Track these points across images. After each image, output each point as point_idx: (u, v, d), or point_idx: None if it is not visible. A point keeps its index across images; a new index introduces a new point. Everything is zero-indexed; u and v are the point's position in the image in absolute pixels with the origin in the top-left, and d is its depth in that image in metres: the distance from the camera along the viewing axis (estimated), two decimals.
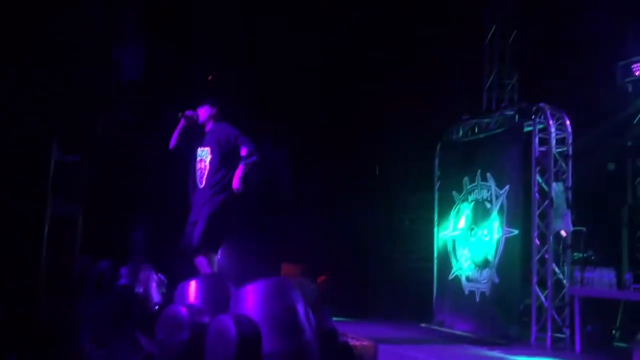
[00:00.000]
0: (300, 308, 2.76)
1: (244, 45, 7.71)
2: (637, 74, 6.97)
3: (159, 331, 3.05)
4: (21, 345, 4.81)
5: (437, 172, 7.85)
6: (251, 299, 2.85)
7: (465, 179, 7.22)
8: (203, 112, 5.63)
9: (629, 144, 7.00)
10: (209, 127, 5.63)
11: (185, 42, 7.60)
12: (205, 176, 5.52)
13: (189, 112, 5.60)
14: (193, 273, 5.45)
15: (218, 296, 3.31)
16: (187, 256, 5.49)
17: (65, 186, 7.17)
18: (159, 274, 4.83)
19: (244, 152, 5.41)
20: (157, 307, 4.38)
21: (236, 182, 5.32)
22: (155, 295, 4.51)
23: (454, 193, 7.41)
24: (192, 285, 3.31)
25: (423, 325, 7.24)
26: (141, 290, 4.49)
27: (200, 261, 5.40)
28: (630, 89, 7.21)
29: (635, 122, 7.11)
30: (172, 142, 5.59)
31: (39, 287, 6.75)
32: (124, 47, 7.16)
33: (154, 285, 4.65)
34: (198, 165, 5.57)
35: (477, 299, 6.77)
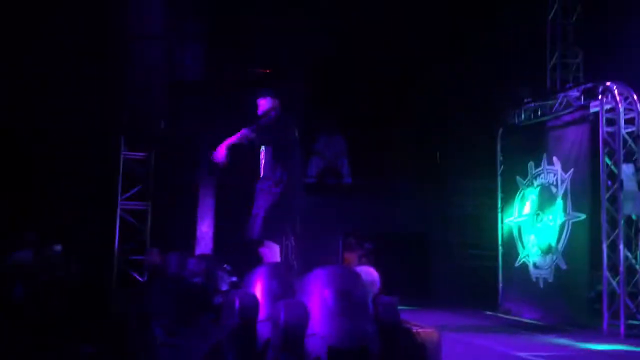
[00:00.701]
0: (358, 293, 2.79)
1: (302, 39, 7.78)
2: None
3: (223, 318, 3.16)
4: (96, 337, 5.07)
5: (499, 158, 7.69)
6: (310, 285, 2.92)
7: (530, 163, 7.05)
8: (265, 103, 5.73)
9: None
10: (270, 117, 5.72)
11: (243, 41, 7.73)
12: (263, 167, 5.63)
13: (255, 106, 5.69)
14: (258, 263, 5.58)
15: (282, 283, 3.39)
16: (251, 247, 5.62)
17: (134, 181, 7.49)
18: (225, 265, 4.96)
19: (302, 148, 5.47)
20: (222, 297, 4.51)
21: (297, 177, 5.42)
22: (222, 285, 4.63)
23: (518, 178, 7.25)
24: (257, 274, 3.40)
25: (489, 313, 7.14)
26: (208, 280, 4.63)
27: (264, 251, 5.51)
28: None
29: None
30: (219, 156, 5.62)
31: (111, 280, 7.08)
32: (185, 49, 7.36)
33: (220, 275, 4.77)
34: (261, 155, 5.69)
35: (542, 286, 6.62)
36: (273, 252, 5.55)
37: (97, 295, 6.36)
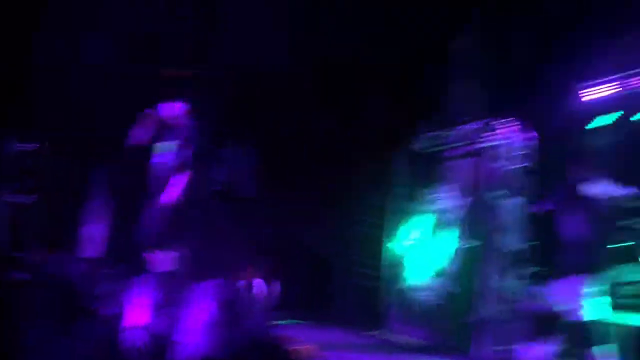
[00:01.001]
0: (240, 307, 2.78)
1: (210, 45, 7.68)
2: (595, 96, 7.13)
3: (96, 323, 3.04)
4: None
5: (396, 182, 7.92)
6: (195, 297, 2.88)
7: (425, 190, 7.30)
8: (175, 108, 5.60)
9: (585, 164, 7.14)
10: (179, 122, 5.60)
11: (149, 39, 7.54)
12: (166, 173, 5.48)
13: (162, 108, 5.56)
14: (148, 271, 5.40)
15: (165, 293, 3.32)
16: (143, 252, 5.43)
17: (22, 173, 7.05)
18: (110, 270, 4.78)
19: (211, 155, 5.40)
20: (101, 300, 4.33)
21: (203, 185, 5.34)
22: (101, 290, 4.45)
23: (412, 203, 7.49)
24: (141, 282, 3.30)
25: (376, 332, 7.28)
26: (87, 284, 4.43)
27: (156, 259, 5.35)
28: (590, 110, 7.38)
29: (591, 144, 7.27)
30: (136, 135, 5.53)
31: None
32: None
33: (101, 280, 4.59)
34: (161, 160, 5.53)
35: (427, 308, 6.84)
36: (165, 260, 5.40)
37: None
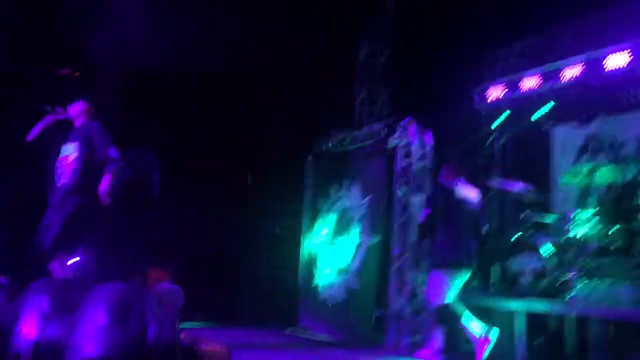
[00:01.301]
0: (135, 311, 2.75)
1: (110, 43, 7.46)
2: (489, 99, 7.58)
3: None
4: None
5: (307, 182, 8.04)
6: (89, 301, 2.82)
7: (332, 188, 7.46)
8: (75, 107, 5.40)
9: (480, 163, 7.58)
10: (78, 123, 5.41)
11: (49, 32, 7.23)
12: (65, 175, 5.28)
13: (60, 108, 5.35)
14: (45, 276, 5.18)
15: (55, 300, 3.21)
16: (40, 260, 5.21)
17: None
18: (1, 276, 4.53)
19: (112, 157, 5.25)
20: None
21: (104, 187, 5.16)
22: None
23: (320, 202, 7.63)
24: (31, 289, 3.18)
25: (288, 331, 7.35)
26: None
27: (54, 266, 5.14)
28: (484, 113, 7.83)
29: (487, 144, 7.72)
30: (32, 133, 5.30)
31: None
32: None
33: None
34: (59, 163, 5.32)
35: (331, 305, 6.99)
36: (64, 266, 5.20)
37: None
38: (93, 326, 2.71)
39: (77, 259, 5.53)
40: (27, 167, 5.73)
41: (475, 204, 5.54)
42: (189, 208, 8.15)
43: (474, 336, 5.13)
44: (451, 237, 5.42)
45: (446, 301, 5.26)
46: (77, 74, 7.30)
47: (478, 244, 6.90)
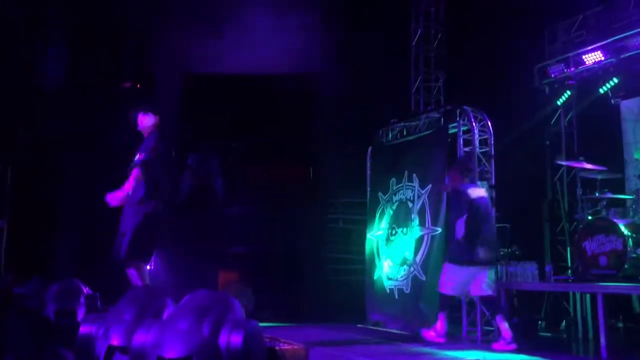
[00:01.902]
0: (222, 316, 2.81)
1: (172, 51, 7.65)
2: (552, 75, 7.34)
3: (76, 349, 3.04)
4: None
5: (368, 175, 8.00)
6: (179, 310, 2.89)
7: (392, 180, 7.39)
8: (146, 120, 5.58)
9: (547, 142, 7.36)
10: (147, 134, 5.59)
11: (110, 49, 7.47)
12: (135, 184, 5.47)
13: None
14: (126, 285, 5.37)
15: (146, 310, 3.31)
16: (118, 268, 5.41)
17: None
18: (88, 290, 4.73)
19: (176, 164, 5.41)
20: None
21: (171, 194, 5.34)
22: (81, 311, 4.41)
23: (380, 194, 7.57)
24: (123, 301, 3.30)
25: (359, 326, 7.34)
26: (66, 306, 4.39)
27: (131, 273, 5.33)
28: (546, 90, 7.59)
29: (552, 122, 7.49)
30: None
31: None
32: (45, 55, 6.96)
33: (81, 300, 4.54)
34: (131, 174, 5.52)
35: (397, 297, 6.92)
36: (141, 273, 5.38)
37: None
38: (175, 330, 2.78)
39: (151, 266, 5.72)
40: (104, 177, 5.94)
41: (484, 204, 5.77)
42: (254, 208, 8.27)
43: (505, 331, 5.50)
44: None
45: (452, 293, 5.78)
46: (138, 85, 7.52)
47: (549, 227, 6.76)
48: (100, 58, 7.33)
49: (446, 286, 5.77)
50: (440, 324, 5.84)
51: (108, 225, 5.48)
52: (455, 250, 5.74)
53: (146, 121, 5.58)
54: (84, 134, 5.96)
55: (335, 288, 8.17)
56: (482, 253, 5.63)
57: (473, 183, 5.98)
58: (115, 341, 3.03)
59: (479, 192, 5.77)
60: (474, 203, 5.68)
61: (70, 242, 7.41)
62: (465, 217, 5.64)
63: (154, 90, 7.61)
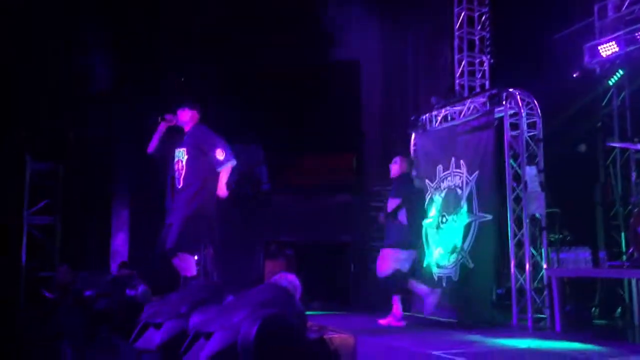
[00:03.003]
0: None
1: (213, 44, 7.71)
2: (603, 55, 7.08)
3: (140, 343, 3.12)
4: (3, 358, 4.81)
5: (412, 161, 7.90)
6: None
7: (439, 167, 7.29)
8: (183, 114, 5.67)
9: (599, 124, 7.12)
10: (188, 128, 5.67)
11: (154, 46, 7.59)
12: (182, 177, 5.56)
13: (168, 115, 5.64)
14: (174, 277, 5.48)
15: (205, 300, 3.37)
16: (165, 259, 5.52)
17: (42, 195, 7.16)
18: (140, 281, 4.83)
19: (221, 157, 5.47)
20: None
21: (222, 189, 5.44)
22: (134, 301, 4.52)
23: (427, 182, 7.48)
24: (183, 294, 3.36)
25: (407, 314, 7.31)
26: (119, 297, 4.50)
27: (179, 264, 5.43)
28: (597, 70, 7.33)
29: (603, 103, 7.23)
30: (151, 146, 5.62)
31: (18, 299, 6.74)
32: (91, 57, 7.13)
33: (134, 291, 4.65)
34: (176, 167, 5.60)
35: (445, 285, 6.85)
36: (188, 264, 5.48)
37: (3, 315, 6.05)
38: (226, 321, 2.81)
39: (201, 257, 5.81)
40: (150, 170, 6.06)
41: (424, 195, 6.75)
42: (299, 197, 8.30)
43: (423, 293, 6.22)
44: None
45: (389, 273, 6.18)
46: (181, 79, 7.62)
47: (602, 211, 6.55)
48: (146, 59, 7.47)
49: (394, 272, 6.20)
50: (396, 307, 6.23)
51: (156, 219, 5.60)
52: (401, 235, 6.24)
53: (185, 115, 5.66)
54: (132, 133, 6.10)
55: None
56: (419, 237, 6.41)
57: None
58: (168, 328, 3.09)
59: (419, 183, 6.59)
60: (420, 194, 6.54)
61: (122, 236, 7.61)
62: (410, 205, 6.25)
63: (196, 82, 7.70)
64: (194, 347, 2.85)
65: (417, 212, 6.36)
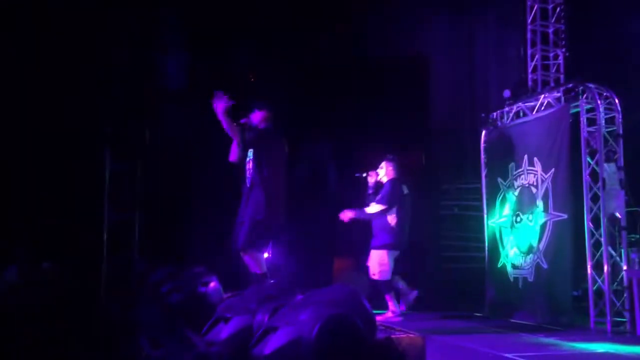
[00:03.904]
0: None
1: (280, 43, 7.80)
2: None
3: (211, 335, 3.22)
4: (83, 347, 5.07)
5: (483, 159, 7.74)
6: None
7: (512, 164, 7.10)
8: (254, 116, 5.80)
9: None
10: (261, 127, 5.80)
11: (226, 47, 7.75)
12: (251, 176, 5.68)
13: (242, 120, 5.78)
14: (248, 273, 5.61)
15: (275, 299, 3.44)
16: (236, 255, 5.66)
17: (121, 192, 7.46)
18: (214, 278, 4.97)
19: (287, 156, 5.59)
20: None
21: (285, 185, 5.56)
22: (209, 297, 4.66)
23: (499, 179, 7.30)
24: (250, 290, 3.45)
25: (478, 315, 7.18)
26: (195, 292, 4.66)
27: (249, 261, 5.55)
28: None
29: None
30: (232, 155, 5.78)
31: (99, 291, 7.08)
32: (166, 56, 7.36)
33: (208, 287, 4.79)
34: (247, 166, 5.75)
35: (520, 286, 6.67)
36: (259, 261, 5.59)
37: (85, 306, 6.35)
38: (293, 318, 2.86)
39: (268, 254, 5.92)
40: (224, 169, 6.20)
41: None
42: (367, 195, 8.26)
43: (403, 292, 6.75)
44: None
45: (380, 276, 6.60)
46: (252, 79, 7.76)
47: None
48: (219, 58, 7.64)
49: (386, 273, 6.63)
50: (392, 304, 6.61)
51: (230, 216, 5.73)
52: (389, 237, 6.70)
53: (257, 117, 5.78)
54: (207, 131, 6.27)
55: (453, 276, 8.02)
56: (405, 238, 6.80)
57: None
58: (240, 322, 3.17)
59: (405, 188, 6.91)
60: (407, 197, 6.87)
61: (198, 232, 7.83)
62: (400, 208, 6.74)
63: (265, 82, 7.82)
64: (261, 342, 2.91)
65: (407, 215, 6.86)
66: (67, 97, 7.06)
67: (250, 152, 5.71)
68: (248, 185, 5.69)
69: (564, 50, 7.54)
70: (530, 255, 6.60)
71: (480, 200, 7.72)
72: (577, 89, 6.40)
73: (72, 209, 7.28)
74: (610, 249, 5.99)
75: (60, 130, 7.26)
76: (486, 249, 7.51)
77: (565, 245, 6.16)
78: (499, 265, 7.15)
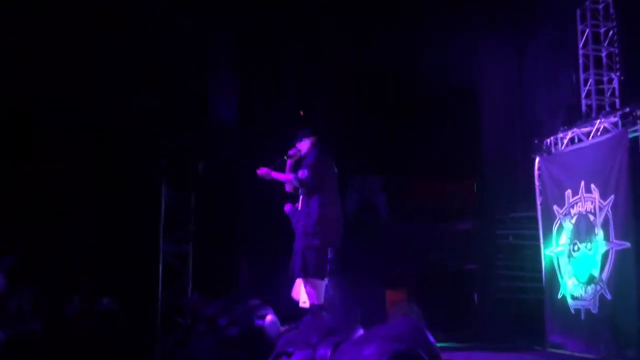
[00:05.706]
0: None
1: (333, 77, 7.92)
2: None
3: None
4: None
5: (537, 187, 7.58)
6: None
7: (568, 192, 6.92)
8: (302, 145, 5.89)
9: None
10: (307, 156, 5.87)
11: (276, 82, 7.92)
12: (301, 203, 5.76)
13: (291, 151, 5.87)
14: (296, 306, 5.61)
15: (340, 332, 3.43)
16: (292, 286, 5.68)
17: (175, 224, 7.60)
18: (270, 310, 4.98)
19: (302, 176, 5.63)
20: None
21: (265, 171, 5.58)
22: (263, 330, 4.67)
23: (555, 207, 7.12)
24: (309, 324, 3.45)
25: (538, 348, 6.94)
26: (250, 325, 4.68)
27: (309, 290, 5.55)
28: None
29: None
30: (287, 187, 5.88)
31: (155, 324, 7.17)
32: (220, 92, 7.56)
33: (265, 321, 4.80)
34: (299, 191, 5.83)
35: (583, 317, 6.42)
36: (317, 290, 5.58)
37: (142, 339, 6.44)
38: (357, 353, 2.84)
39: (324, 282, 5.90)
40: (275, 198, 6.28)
41: None
42: (419, 224, 8.21)
43: None
44: None
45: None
46: (302, 112, 7.88)
47: None
48: (268, 91, 7.83)
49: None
50: None
51: (284, 247, 5.77)
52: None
53: (305, 145, 5.86)
54: (258, 162, 6.40)
55: (509, 307, 7.80)
56: None
57: None
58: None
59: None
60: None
61: (251, 265, 7.90)
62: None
63: (315, 114, 7.93)
64: None
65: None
66: (128, 131, 7.30)
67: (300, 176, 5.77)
68: (299, 211, 5.75)
69: (618, 74, 7.39)
70: (592, 285, 6.37)
71: (536, 229, 7.53)
72: (635, 113, 6.23)
73: (128, 243, 7.46)
74: None
75: (117, 166, 7.50)
76: (544, 279, 7.29)
77: (630, 275, 5.93)
78: (559, 296, 6.93)
